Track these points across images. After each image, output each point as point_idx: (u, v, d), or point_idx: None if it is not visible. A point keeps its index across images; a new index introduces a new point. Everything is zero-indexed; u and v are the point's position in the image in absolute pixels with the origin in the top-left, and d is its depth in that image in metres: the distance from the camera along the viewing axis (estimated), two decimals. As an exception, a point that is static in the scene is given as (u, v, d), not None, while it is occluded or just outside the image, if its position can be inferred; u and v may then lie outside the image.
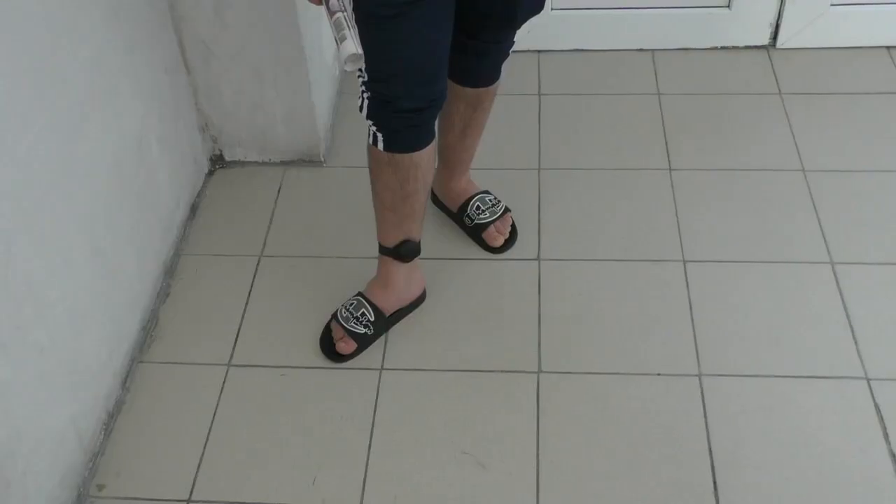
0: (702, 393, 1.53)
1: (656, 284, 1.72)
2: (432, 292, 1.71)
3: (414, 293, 1.66)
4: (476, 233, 1.79)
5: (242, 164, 2.02)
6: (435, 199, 1.85)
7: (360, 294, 1.64)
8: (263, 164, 2.01)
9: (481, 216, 1.78)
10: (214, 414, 1.55)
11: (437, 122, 1.44)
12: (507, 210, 1.81)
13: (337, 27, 1.20)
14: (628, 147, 2.02)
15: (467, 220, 1.79)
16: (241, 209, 1.92)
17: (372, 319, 1.61)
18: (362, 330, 1.60)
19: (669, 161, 1.97)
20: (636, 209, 1.87)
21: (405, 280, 1.62)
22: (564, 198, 1.90)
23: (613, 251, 1.78)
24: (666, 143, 2.02)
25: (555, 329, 1.65)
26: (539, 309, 1.68)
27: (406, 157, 1.41)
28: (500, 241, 1.77)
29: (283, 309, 1.70)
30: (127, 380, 1.60)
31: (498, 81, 1.61)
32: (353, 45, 1.19)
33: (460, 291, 1.72)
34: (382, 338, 1.64)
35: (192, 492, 1.44)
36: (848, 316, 1.63)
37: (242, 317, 1.70)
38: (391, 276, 1.61)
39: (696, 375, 1.56)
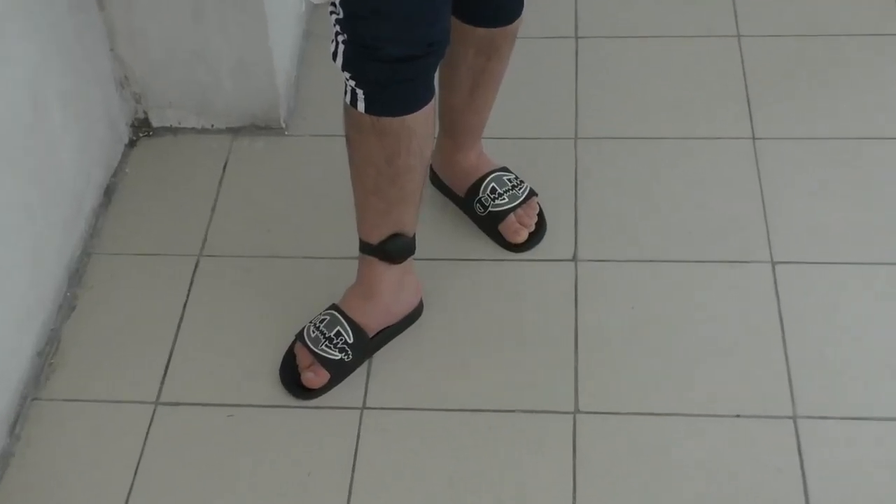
0: (797, 441, 1.53)
1: (735, 294, 1.71)
2: (431, 304, 1.71)
3: (407, 306, 1.66)
4: (491, 224, 1.79)
5: (175, 131, 2.02)
6: (435, 180, 1.85)
7: (334, 307, 1.64)
8: (204, 131, 2.01)
9: (498, 202, 1.78)
10: (137, 469, 1.54)
11: (437, 76, 1.44)
12: (532, 194, 1.81)
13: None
14: (697, 109, 2.01)
15: (479, 208, 1.79)
16: (174, 192, 1.92)
17: (350, 341, 1.61)
18: (337, 355, 1.60)
19: (753, 127, 1.97)
20: (708, 193, 1.86)
21: (395, 288, 1.62)
22: (610, 177, 1.90)
23: (677, 249, 1.78)
24: (748, 104, 2.01)
25: (597, 354, 1.64)
26: (576, 328, 1.67)
27: (396, 121, 1.41)
28: (522, 236, 1.78)
29: (231, 327, 1.70)
30: (16, 424, 1.59)
31: (520, 19, 1.60)
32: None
33: (469, 303, 1.72)
34: (364, 366, 1.64)
35: (106, 575, 1.44)
36: None
37: (175, 338, 1.69)
38: (376, 282, 1.61)
39: (789, 418, 1.55)
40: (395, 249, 1.57)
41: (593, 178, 1.90)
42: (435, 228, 1.81)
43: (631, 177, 1.90)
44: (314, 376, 1.60)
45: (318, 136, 1.99)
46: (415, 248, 1.61)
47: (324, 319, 1.62)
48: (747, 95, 2.03)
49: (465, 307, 1.72)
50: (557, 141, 1.96)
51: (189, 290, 1.76)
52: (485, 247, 1.79)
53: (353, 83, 1.39)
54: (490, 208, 1.78)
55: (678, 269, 1.75)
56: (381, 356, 1.65)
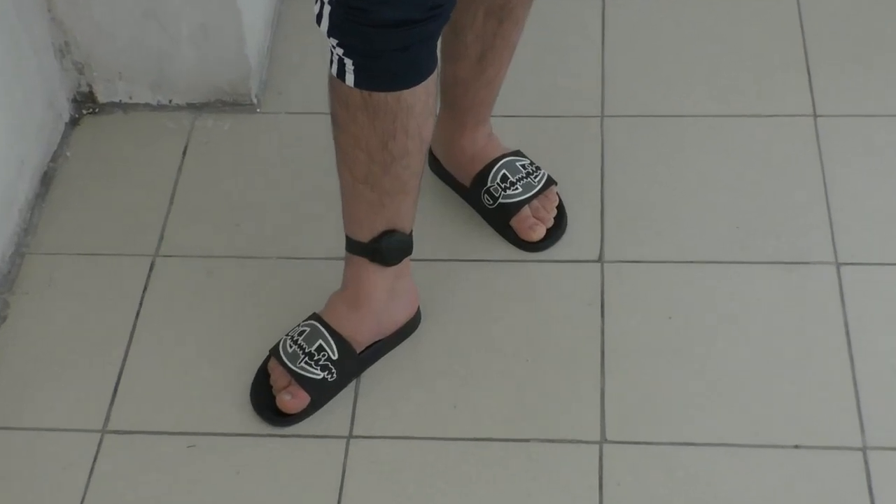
0: (867, 476, 1.52)
1: (792, 301, 1.71)
2: (431, 314, 1.71)
3: (402, 315, 1.67)
4: (502, 218, 1.80)
5: (125, 107, 2.02)
6: (436, 166, 1.86)
7: (315, 317, 1.64)
8: (160, 108, 2.01)
9: (510, 192, 1.78)
10: (81, 510, 1.54)
11: (440, 43, 1.43)
12: (550, 182, 1.81)
13: None
14: (746, 80, 2.01)
15: (488, 199, 1.80)
16: (125, 180, 1.91)
17: (335, 357, 1.61)
18: (319, 374, 1.60)
19: (814, 102, 1.97)
20: (759, 181, 1.86)
21: (388, 295, 1.62)
22: (643, 162, 1.90)
23: (723, 248, 1.78)
24: (808, 73, 2.01)
25: (627, 373, 1.64)
26: (602, 342, 1.68)
27: (391, 97, 1.40)
28: (539, 232, 1.79)
29: (192, 341, 1.70)
30: (-60, 456, 1.59)
31: (538, -25, 1.61)
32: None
33: (475, 313, 1.72)
34: (351, 387, 1.64)
35: None
36: None
37: (126, 354, 1.69)
38: (366, 288, 1.60)
39: (858, 449, 1.55)
40: (388, 249, 1.56)
41: (623, 163, 1.89)
42: (435, 224, 1.81)
43: (668, 162, 1.90)
44: (291, 399, 1.59)
45: (296, 115, 1.99)
46: (412, 248, 1.60)
47: (303, 331, 1.62)
48: (807, 63, 2.02)
49: (470, 317, 1.71)
50: (580, 120, 1.96)
51: (142, 297, 1.75)
52: (494, 245, 1.80)
53: (340, 51, 1.38)
54: (500, 200, 1.78)
55: (724, 272, 1.75)
56: (372, 375, 1.65)
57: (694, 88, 2.01)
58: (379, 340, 1.65)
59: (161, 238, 1.83)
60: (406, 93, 1.40)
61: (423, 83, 1.41)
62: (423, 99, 1.42)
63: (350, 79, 1.39)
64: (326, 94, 1.46)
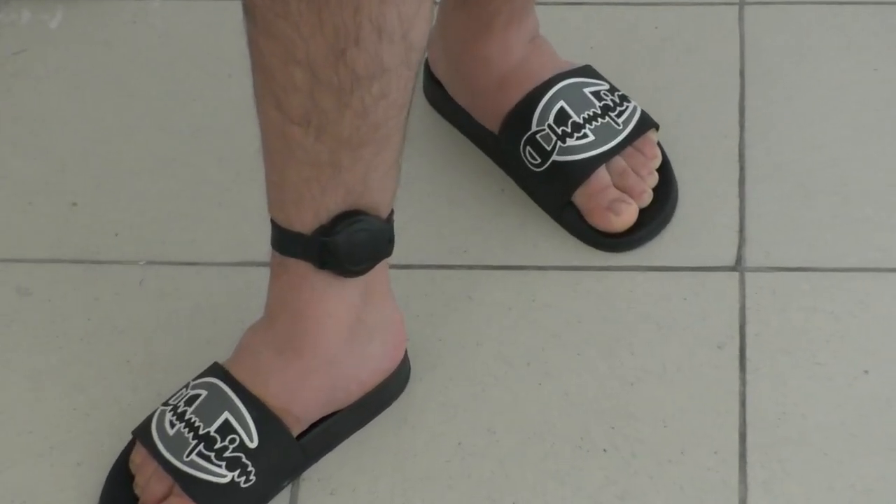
0: None
1: None
2: (428, 365, 1.73)
3: (374, 368, 1.68)
4: (558, 189, 1.83)
5: None
6: (438, 94, 1.95)
7: (218, 371, 1.65)
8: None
9: (573, 142, 1.81)
10: None
11: None
12: (645, 124, 1.85)
13: None
14: None
15: (532, 155, 1.81)
16: None
17: (252, 445, 1.61)
18: (225, 475, 1.60)
19: None
20: None
21: (350, 331, 1.64)
22: (813, 86, 1.93)
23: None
24: None
25: (790, 473, 1.64)
26: (742, 414, 1.68)
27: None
28: (626, 215, 1.81)
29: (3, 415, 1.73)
30: None
31: None
32: None
33: (510, 363, 1.72)
34: (284, 497, 1.65)
35: None
36: None
37: None
38: (310, 318, 1.62)
39: None
40: (350, 245, 1.55)
41: (778, 88, 1.94)
42: (437, 201, 1.79)
43: (858, 85, 1.92)
44: (175, 521, 1.62)
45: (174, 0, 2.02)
46: (392, 245, 1.60)
47: (195, 397, 1.63)
48: None
49: (501, 370, 1.72)
50: (702, 9, 1.98)
51: None
52: (544, 240, 1.80)
53: None
54: (556, 156, 1.80)
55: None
56: (322, 476, 1.65)
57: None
58: (334, 413, 1.65)
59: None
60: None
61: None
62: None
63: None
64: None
